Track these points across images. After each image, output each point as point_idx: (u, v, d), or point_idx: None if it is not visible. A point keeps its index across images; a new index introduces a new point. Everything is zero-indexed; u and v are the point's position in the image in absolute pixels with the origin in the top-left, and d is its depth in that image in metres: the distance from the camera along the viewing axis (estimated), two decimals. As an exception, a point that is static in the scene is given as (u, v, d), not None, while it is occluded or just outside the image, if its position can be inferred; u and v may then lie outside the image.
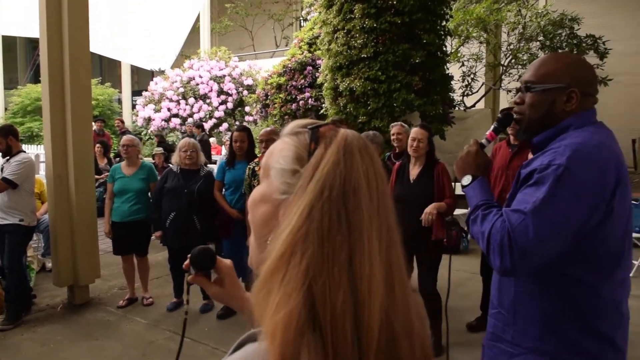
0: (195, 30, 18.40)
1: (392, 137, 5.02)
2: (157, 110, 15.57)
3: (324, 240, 0.67)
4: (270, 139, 4.37)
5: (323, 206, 0.68)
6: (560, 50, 10.96)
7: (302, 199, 0.69)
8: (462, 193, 1.80)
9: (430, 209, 3.78)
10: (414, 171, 4.02)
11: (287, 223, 0.69)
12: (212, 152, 13.41)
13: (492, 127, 1.85)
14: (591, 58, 10.86)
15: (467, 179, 1.75)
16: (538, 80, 1.66)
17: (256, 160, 4.61)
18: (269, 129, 4.54)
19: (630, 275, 1.73)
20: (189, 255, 1.18)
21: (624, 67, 13.05)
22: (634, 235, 5.48)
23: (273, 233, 0.72)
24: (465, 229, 7.44)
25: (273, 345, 0.63)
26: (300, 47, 10.21)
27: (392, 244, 0.71)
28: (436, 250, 3.99)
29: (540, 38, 11.04)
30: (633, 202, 5.65)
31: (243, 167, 4.69)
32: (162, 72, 17.06)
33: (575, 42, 10.72)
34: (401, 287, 0.70)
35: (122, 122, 13.72)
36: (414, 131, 3.99)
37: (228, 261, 1.22)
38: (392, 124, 5.19)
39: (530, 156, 2.40)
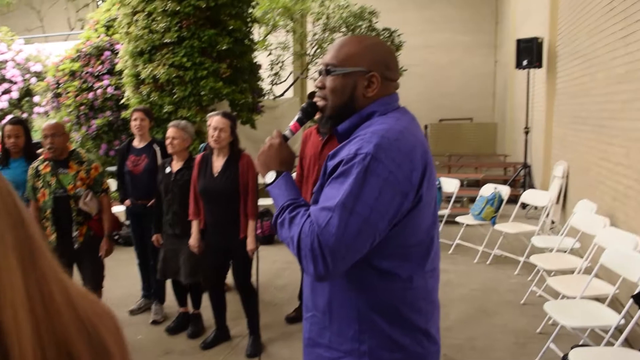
0: (-33, 7, 15.86)
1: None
2: None
3: None
4: (55, 133, 3.76)
5: None
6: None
7: None
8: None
9: (251, 245, 3.69)
10: (217, 163, 3.73)
11: None
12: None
13: (296, 117, 1.66)
14: (388, 50, 11.67)
15: (271, 176, 1.54)
16: (339, 62, 1.52)
17: (41, 158, 3.90)
18: (52, 122, 3.87)
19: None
20: None
21: (416, 59, 14.21)
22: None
23: None
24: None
25: None
26: (96, 30, 9.23)
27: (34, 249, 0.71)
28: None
29: (343, 29, 11.57)
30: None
31: (20, 165, 3.97)
32: None
33: (373, 34, 11.41)
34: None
35: None
36: (215, 120, 3.66)
37: None
38: (210, 114, 4.87)
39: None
